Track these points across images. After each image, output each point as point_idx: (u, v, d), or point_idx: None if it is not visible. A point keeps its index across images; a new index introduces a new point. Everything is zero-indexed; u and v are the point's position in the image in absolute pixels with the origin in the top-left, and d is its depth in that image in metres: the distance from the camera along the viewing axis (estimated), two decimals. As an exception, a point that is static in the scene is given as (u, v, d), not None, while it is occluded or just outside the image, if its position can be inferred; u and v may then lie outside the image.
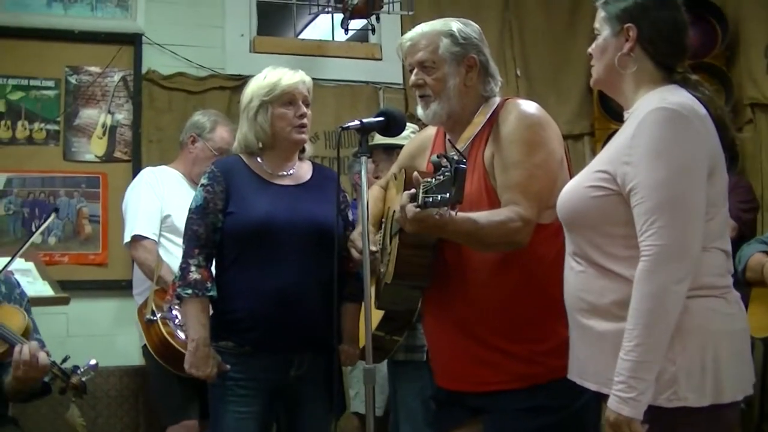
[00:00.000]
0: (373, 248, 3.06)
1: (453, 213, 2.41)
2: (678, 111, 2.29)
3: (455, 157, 2.34)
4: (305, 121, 3.38)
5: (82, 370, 3.37)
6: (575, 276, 2.48)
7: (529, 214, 2.70)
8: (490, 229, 2.66)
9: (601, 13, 2.53)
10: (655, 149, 2.28)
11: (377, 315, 3.30)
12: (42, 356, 3.20)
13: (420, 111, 3.00)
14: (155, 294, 4.08)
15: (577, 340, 2.52)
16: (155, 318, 3.98)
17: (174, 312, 4.04)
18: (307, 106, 3.39)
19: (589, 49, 2.58)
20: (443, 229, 2.57)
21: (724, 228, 2.40)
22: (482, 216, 2.67)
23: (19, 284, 3.59)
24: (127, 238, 4.34)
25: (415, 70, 2.98)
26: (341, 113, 5.90)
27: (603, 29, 2.52)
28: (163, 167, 4.55)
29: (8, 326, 3.25)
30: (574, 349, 2.56)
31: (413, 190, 2.51)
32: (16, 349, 3.18)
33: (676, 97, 2.36)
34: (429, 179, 2.41)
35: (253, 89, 3.38)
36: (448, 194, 2.32)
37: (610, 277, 2.37)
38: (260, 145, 3.38)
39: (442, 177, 2.35)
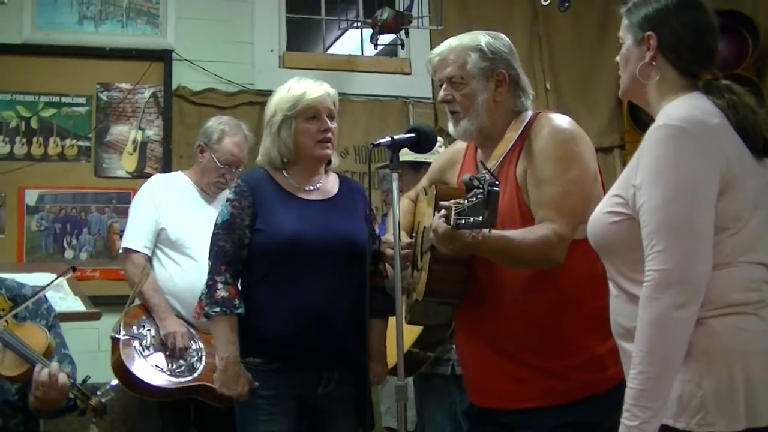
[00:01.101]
0: (408, 240, 3.04)
1: (487, 233, 2.38)
2: (680, 127, 2.20)
3: (488, 179, 2.31)
4: (329, 135, 3.31)
5: (101, 391, 3.32)
6: (612, 300, 2.41)
7: (565, 230, 2.66)
8: (526, 247, 2.62)
9: (624, 22, 2.45)
10: (655, 171, 2.20)
11: (412, 333, 3.28)
12: (62, 377, 3.17)
13: (451, 127, 2.97)
14: (130, 311, 4.03)
15: (623, 364, 2.42)
16: (119, 337, 3.92)
17: (143, 332, 4.00)
18: (332, 119, 3.32)
19: (616, 59, 2.50)
20: (477, 248, 2.54)
21: (757, 239, 2.26)
22: (517, 234, 2.63)
23: (46, 299, 3.58)
24: (120, 250, 4.34)
25: (443, 86, 2.95)
26: (371, 128, 5.91)
27: (626, 38, 2.44)
28: (176, 174, 4.52)
29: (30, 346, 3.23)
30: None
31: (444, 212, 2.48)
32: (36, 369, 3.17)
33: (683, 109, 2.26)
34: (461, 200, 2.37)
35: (276, 102, 3.32)
36: (481, 217, 2.30)
37: (635, 301, 2.26)
38: (284, 160, 3.32)
39: (474, 199, 2.32)
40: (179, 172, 4.56)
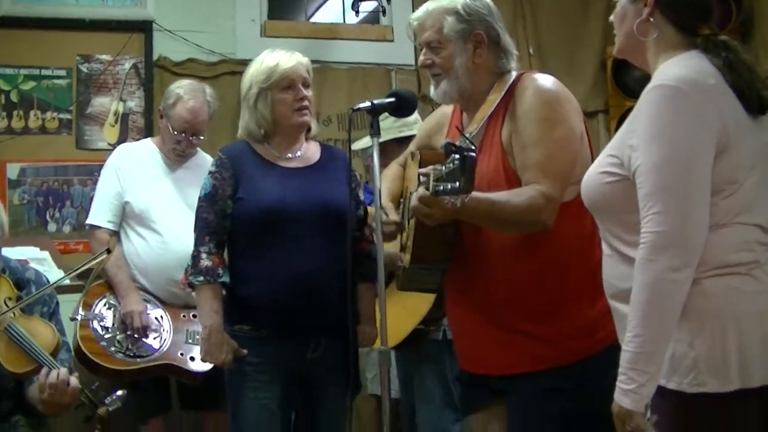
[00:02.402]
0: (395, 218, 3.01)
1: (465, 199, 2.34)
2: (675, 87, 2.18)
3: (464, 145, 2.28)
4: (306, 103, 3.34)
5: (109, 400, 3.31)
6: (605, 260, 2.39)
7: (552, 192, 2.63)
8: (512, 209, 2.61)
9: None
10: (651, 132, 2.17)
11: (417, 313, 3.27)
12: (73, 382, 3.16)
13: (432, 90, 2.94)
14: (91, 290, 3.98)
15: (616, 324, 2.41)
16: (77, 318, 3.88)
17: (104, 312, 3.94)
18: (306, 87, 3.36)
19: (610, 17, 2.46)
20: (458, 214, 2.52)
21: (753, 200, 2.23)
22: (501, 196, 2.62)
23: (48, 282, 3.54)
24: (86, 227, 4.28)
25: (423, 50, 2.93)
26: (354, 96, 5.85)
27: None
28: (145, 141, 4.48)
29: (37, 343, 3.21)
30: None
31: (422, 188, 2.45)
32: (43, 371, 3.15)
33: (678, 69, 2.23)
34: (439, 166, 2.35)
35: (251, 75, 3.36)
36: (458, 183, 2.26)
37: (629, 262, 2.24)
38: (263, 131, 3.36)
39: (452, 165, 2.28)
40: (148, 139, 4.54)
